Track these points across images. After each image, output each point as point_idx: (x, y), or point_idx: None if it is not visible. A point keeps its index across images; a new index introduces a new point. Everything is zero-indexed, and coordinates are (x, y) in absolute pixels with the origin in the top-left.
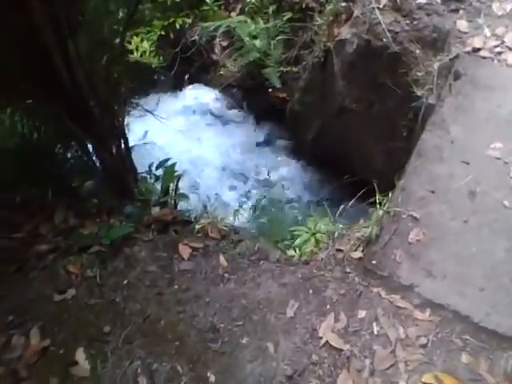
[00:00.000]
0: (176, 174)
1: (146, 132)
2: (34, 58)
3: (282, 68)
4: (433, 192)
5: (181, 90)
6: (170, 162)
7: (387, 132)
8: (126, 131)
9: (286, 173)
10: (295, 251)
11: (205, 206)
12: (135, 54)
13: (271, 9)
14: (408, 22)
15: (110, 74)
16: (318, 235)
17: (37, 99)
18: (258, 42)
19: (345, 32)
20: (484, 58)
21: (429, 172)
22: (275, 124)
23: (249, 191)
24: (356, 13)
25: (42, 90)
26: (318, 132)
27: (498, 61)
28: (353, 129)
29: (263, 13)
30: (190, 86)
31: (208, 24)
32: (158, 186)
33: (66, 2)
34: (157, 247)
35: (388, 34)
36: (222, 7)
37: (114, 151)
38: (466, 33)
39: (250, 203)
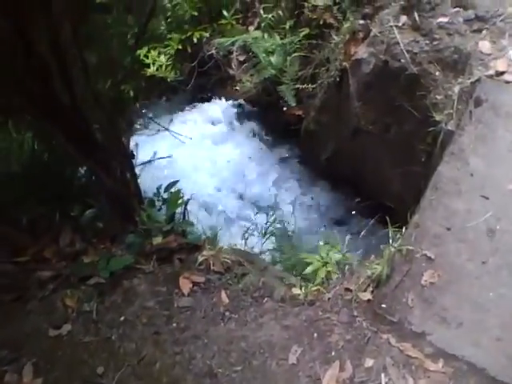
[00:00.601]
0: (182, 199)
1: (155, 153)
2: (28, 71)
3: (297, 85)
4: (449, 229)
5: (197, 105)
6: (177, 185)
7: (405, 156)
8: (134, 152)
9: (299, 194)
10: (301, 289)
11: (214, 235)
12: (152, 68)
13: (288, 24)
14: (428, 41)
15: (118, 94)
16: (329, 266)
17: (33, 117)
18: (273, 59)
19: (361, 51)
20: (507, 82)
21: (445, 207)
22: (291, 142)
23: (261, 213)
24: (374, 31)
25: (38, 108)
26: (332, 152)
27: None
28: (369, 151)
29: (280, 28)
30: (206, 102)
31: (223, 40)
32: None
33: (69, 15)
34: (157, 280)
35: (406, 55)
36: (240, 21)
37: (119, 175)
38: (488, 55)
39: (261, 226)
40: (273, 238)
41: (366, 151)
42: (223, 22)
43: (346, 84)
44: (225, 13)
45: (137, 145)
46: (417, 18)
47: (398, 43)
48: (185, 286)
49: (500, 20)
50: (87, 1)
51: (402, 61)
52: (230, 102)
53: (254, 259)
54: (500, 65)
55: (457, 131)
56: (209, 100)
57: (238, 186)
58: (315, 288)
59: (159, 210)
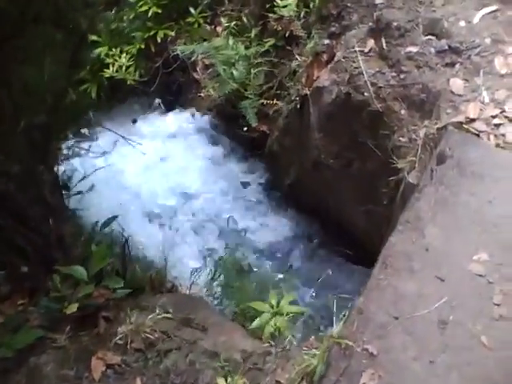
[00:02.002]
0: (105, 257)
1: (92, 186)
2: None
3: (262, 100)
4: (396, 318)
5: (157, 113)
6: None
7: (367, 194)
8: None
9: (259, 219)
10: (226, 381)
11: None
12: (111, 68)
13: (254, 32)
14: (395, 74)
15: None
16: (278, 321)
17: None
18: (236, 72)
19: (324, 77)
20: (477, 133)
21: (394, 289)
22: (255, 157)
23: (215, 238)
24: (338, 55)
25: None
26: (295, 179)
27: (495, 136)
28: (330, 185)
29: (245, 36)
30: (169, 107)
31: (183, 47)
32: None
33: None
34: (67, 358)
35: (370, 88)
36: (208, 20)
37: (34, 225)
38: (460, 96)
39: (212, 259)
40: (222, 278)
41: (328, 185)
42: (190, 19)
43: (307, 112)
44: (192, 10)
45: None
46: (384, 45)
47: (362, 73)
48: (97, 368)
49: (476, 53)
50: None
51: (366, 94)
52: (193, 110)
53: (189, 319)
54: (471, 110)
55: (414, 194)
56: (171, 107)
57: (193, 204)
58: (241, 381)
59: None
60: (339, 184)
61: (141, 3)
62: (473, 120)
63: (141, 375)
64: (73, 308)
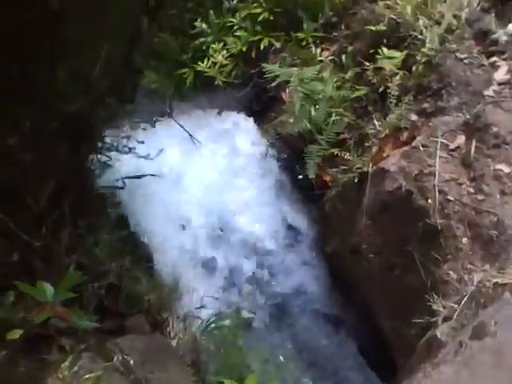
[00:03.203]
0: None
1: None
2: None
3: (332, 150)
4: None
5: (234, 118)
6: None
7: (400, 310)
8: None
9: (295, 276)
10: None
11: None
12: (205, 62)
13: (350, 73)
14: (472, 190)
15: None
16: None
17: None
18: (314, 112)
19: (393, 160)
20: None
21: None
22: (310, 207)
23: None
24: (418, 140)
25: None
26: (336, 250)
27: None
28: (365, 279)
29: (339, 74)
30: (251, 117)
31: (270, 68)
32: None
33: None
34: None
35: (437, 196)
36: (318, 40)
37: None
38: None
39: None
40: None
41: (364, 276)
42: (300, 35)
43: (363, 189)
44: (305, 25)
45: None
46: (473, 150)
47: (434, 174)
48: None
49: None
50: None
51: (429, 201)
52: (270, 128)
53: (145, 380)
54: None
55: (433, 360)
56: (253, 117)
57: (234, 233)
58: None
59: None
60: (372, 283)
61: (256, 4)
62: None
63: None
64: (15, 335)
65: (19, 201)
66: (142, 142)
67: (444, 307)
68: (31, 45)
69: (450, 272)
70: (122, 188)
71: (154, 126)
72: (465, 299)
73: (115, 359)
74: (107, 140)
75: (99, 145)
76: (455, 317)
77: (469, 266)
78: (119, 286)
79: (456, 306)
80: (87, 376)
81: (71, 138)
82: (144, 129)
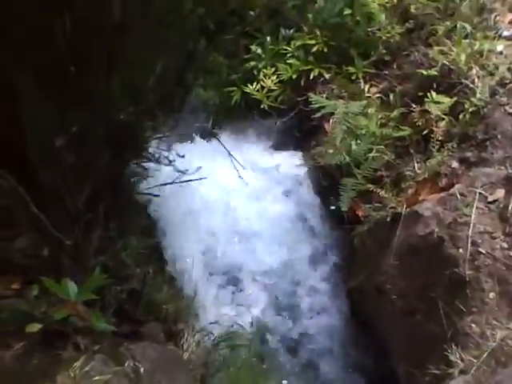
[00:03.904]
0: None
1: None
2: None
3: (368, 185)
4: None
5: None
6: None
7: (417, 358)
8: None
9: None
10: None
11: None
12: (253, 86)
13: (395, 113)
14: (506, 246)
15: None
16: None
17: None
18: (355, 146)
19: (428, 204)
20: None
21: None
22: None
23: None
24: (456, 188)
25: None
26: (359, 286)
27: None
28: (386, 321)
29: (385, 112)
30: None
31: (315, 99)
32: None
33: None
34: None
35: (469, 247)
36: (367, 77)
37: None
38: None
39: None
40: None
41: (385, 317)
42: (351, 69)
43: (394, 229)
44: (356, 61)
45: None
46: (511, 206)
47: (468, 225)
48: None
49: None
50: None
51: (461, 251)
52: (309, 157)
53: None
54: None
55: None
56: (295, 144)
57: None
58: None
59: None
60: (392, 324)
61: (311, 36)
62: None
63: None
64: (33, 328)
65: (58, 199)
66: (183, 156)
67: (462, 360)
68: (94, 54)
69: (473, 325)
70: (158, 196)
71: (195, 142)
72: (485, 355)
73: (126, 364)
74: (150, 150)
75: (142, 154)
76: (472, 371)
77: (493, 321)
78: (141, 292)
79: (475, 360)
80: (97, 378)
81: (116, 144)
82: (186, 143)
